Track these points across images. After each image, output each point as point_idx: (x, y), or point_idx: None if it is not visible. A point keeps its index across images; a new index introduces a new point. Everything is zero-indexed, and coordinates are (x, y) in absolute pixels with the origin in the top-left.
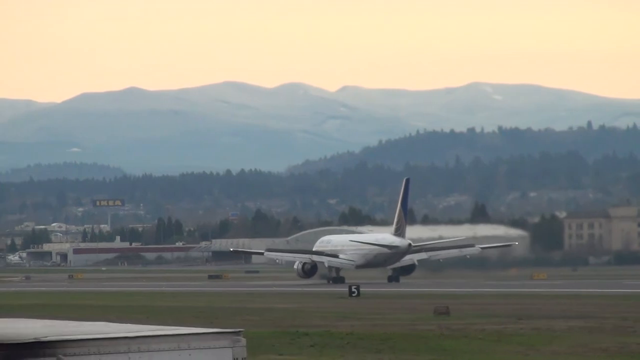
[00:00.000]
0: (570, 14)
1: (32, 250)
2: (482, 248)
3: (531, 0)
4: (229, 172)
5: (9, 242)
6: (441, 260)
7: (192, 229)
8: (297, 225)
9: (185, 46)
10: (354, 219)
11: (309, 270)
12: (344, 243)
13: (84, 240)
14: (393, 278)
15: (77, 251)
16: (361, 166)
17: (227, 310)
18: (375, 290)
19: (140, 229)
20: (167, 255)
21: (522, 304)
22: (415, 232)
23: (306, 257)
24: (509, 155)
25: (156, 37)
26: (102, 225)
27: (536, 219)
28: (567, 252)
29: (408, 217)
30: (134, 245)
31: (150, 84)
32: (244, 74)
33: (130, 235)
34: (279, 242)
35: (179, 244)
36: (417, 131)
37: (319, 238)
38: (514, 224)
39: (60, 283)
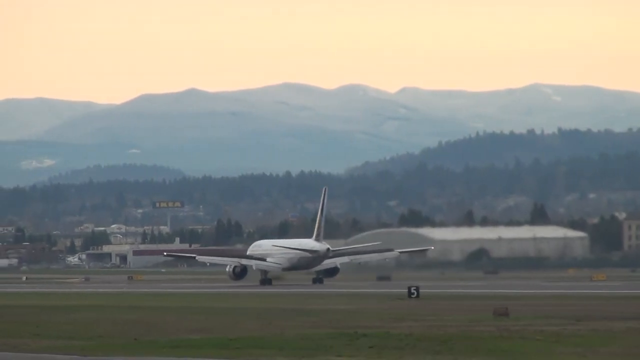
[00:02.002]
0: (630, 15)
1: (91, 251)
2: (400, 252)
3: (590, 1)
4: (288, 173)
5: (68, 243)
6: (361, 263)
7: (251, 230)
8: (356, 227)
9: (243, 47)
10: (414, 220)
11: (239, 273)
12: (271, 248)
13: (143, 242)
14: (317, 280)
15: (136, 252)
16: (421, 168)
17: (286, 311)
18: (434, 292)
19: (199, 231)
20: None
21: (580, 305)
22: (475, 234)
23: (236, 261)
24: (568, 157)
25: (215, 39)
26: (161, 227)
27: (595, 220)
28: (627, 253)
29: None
30: (193, 246)
31: (210, 86)
32: (303, 75)
33: (189, 236)
34: (337, 243)
35: (238, 246)
36: (477, 132)
37: (378, 239)
38: (573, 225)
39: (120, 284)
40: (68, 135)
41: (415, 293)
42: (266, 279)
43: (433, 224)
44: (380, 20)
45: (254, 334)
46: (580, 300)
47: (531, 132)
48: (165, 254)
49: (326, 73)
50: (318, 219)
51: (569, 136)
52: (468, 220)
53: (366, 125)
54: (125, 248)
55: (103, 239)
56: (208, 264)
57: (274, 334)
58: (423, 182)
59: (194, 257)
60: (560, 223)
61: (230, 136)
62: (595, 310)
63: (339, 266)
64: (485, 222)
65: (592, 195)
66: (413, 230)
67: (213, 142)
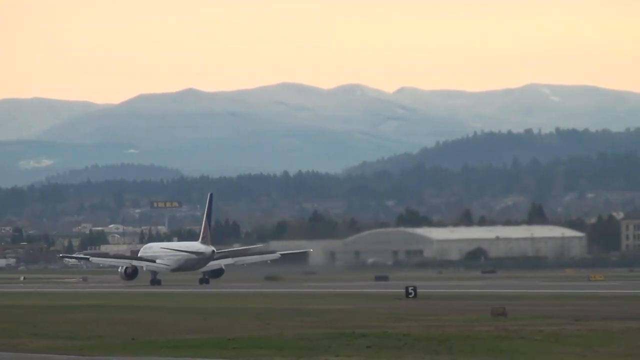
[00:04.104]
0: (629, 15)
1: (89, 251)
2: (281, 254)
3: (589, 1)
4: (286, 173)
5: (66, 243)
6: (245, 265)
7: (249, 230)
8: (354, 227)
9: (242, 47)
10: (412, 220)
11: (131, 274)
12: (160, 250)
13: (141, 242)
14: (204, 280)
15: (134, 253)
16: (419, 167)
17: (285, 311)
18: (431, 292)
19: (197, 231)
20: None
21: (579, 305)
22: (473, 233)
23: (127, 262)
24: (566, 157)
25: (213, 38)
26: (159, 227)
27: (593, 220)
28: (624, 252)
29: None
30: None
31: (207, 86)
32: (300, 75)
33: (187, 236)
34: (336, 243)
35: (235, 246)
36: (475, 132)
37: (376, 239)
38: (571, 225)
39: (117, 284)
40: (66, 135)
41: (413, 293)
42: (155, 279)
43: (431, 223)
44: (378, 21)
45: (253, 334)
46: (578, 300)
47: (529, 132)
48: (60, 255)
49: (324, 73)
50: (204, 222)
51: (567, 136)
52: (466, 220)
53: (364, 125)
54: (123, 248)
55: (101, 238)
56: (101, 265)
57: (272, 334)
58: (421, 182)
59: (89, 259)
60: (558, 223)
61: (228, 136)
62: (593, 310)
63: (224, 267)
64: (483, 222)
65: (590, 195)
66: (411, 230)
67: (211, 142)
